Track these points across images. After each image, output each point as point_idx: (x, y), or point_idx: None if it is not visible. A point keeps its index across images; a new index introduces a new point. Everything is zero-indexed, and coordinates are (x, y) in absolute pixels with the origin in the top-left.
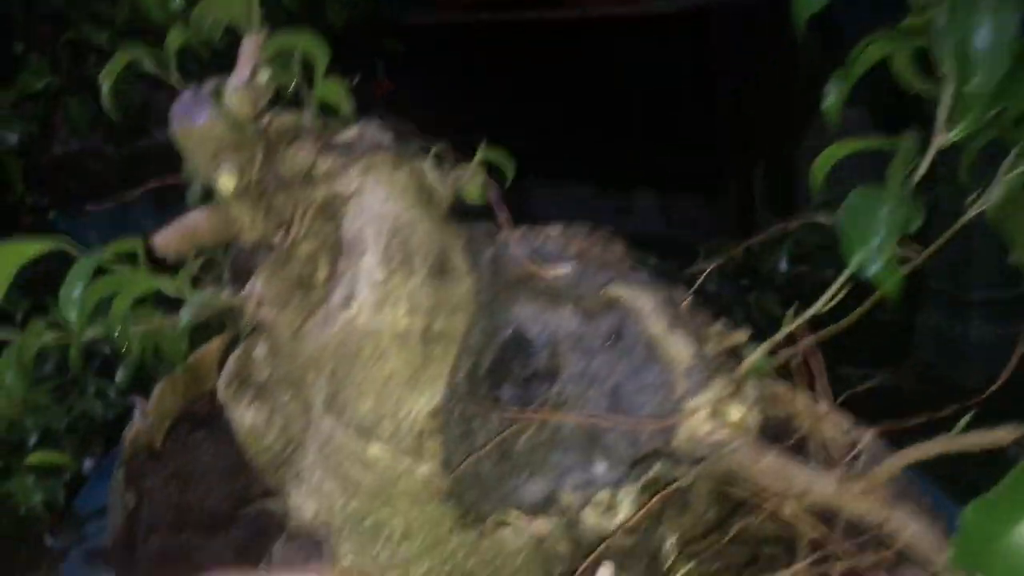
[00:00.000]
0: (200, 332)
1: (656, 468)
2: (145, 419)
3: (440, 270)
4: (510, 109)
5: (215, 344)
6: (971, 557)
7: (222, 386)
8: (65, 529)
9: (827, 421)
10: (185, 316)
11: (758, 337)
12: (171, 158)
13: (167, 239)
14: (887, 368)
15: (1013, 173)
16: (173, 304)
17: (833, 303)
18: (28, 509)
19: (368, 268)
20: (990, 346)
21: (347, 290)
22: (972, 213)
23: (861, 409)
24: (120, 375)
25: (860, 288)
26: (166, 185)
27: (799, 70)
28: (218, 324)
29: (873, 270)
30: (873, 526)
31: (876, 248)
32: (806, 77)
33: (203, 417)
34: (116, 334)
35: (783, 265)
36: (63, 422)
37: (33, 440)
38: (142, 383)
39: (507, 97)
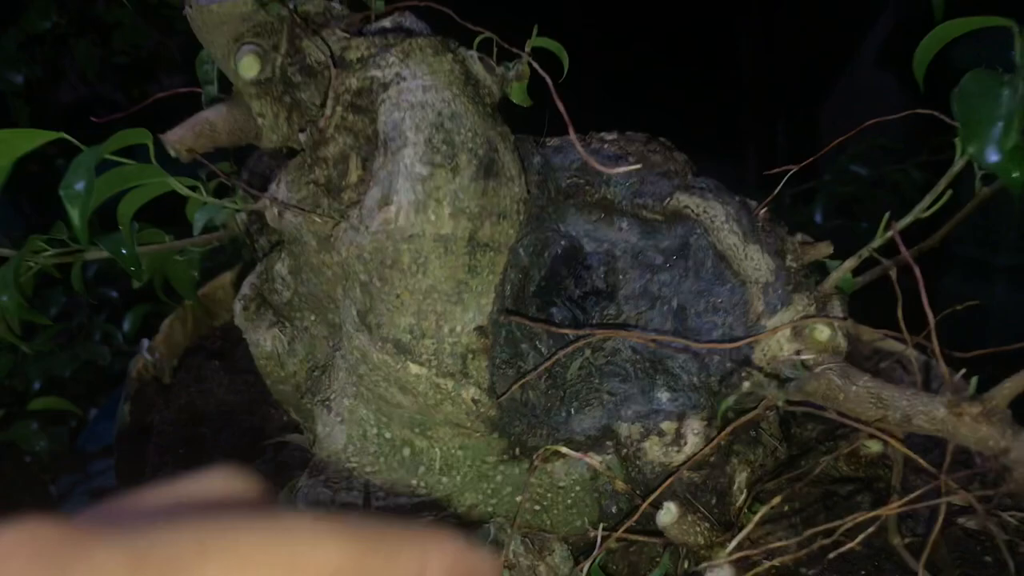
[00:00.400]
0: (212, 264)
1: (736, 395)
2: (152, 353)
3: (488, 170)
4: None
5: (228, 276)
6: None
7: (238, 310)
8: (68, 469)
9: (908, 351)
10: (199, 222)
11: None
12: (180, 108)
13: (180, 136)
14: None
15: None
16: (183, 230)
17: (937, 206)
18: (33, 456)
19: (408, 163)
20: (1015, 312)
21: (384, 189)
22: None
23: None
24: (128, 321)
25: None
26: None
27: (823, 26)
28: (231, 257)
29: (994, 159)
30: (989, 457)
31: (998, 134)
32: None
33: (215, 350)
34: (124, 251)
35: (818, 217)
36: (68, 369)
37: (37, 387)
38: (150, 332)
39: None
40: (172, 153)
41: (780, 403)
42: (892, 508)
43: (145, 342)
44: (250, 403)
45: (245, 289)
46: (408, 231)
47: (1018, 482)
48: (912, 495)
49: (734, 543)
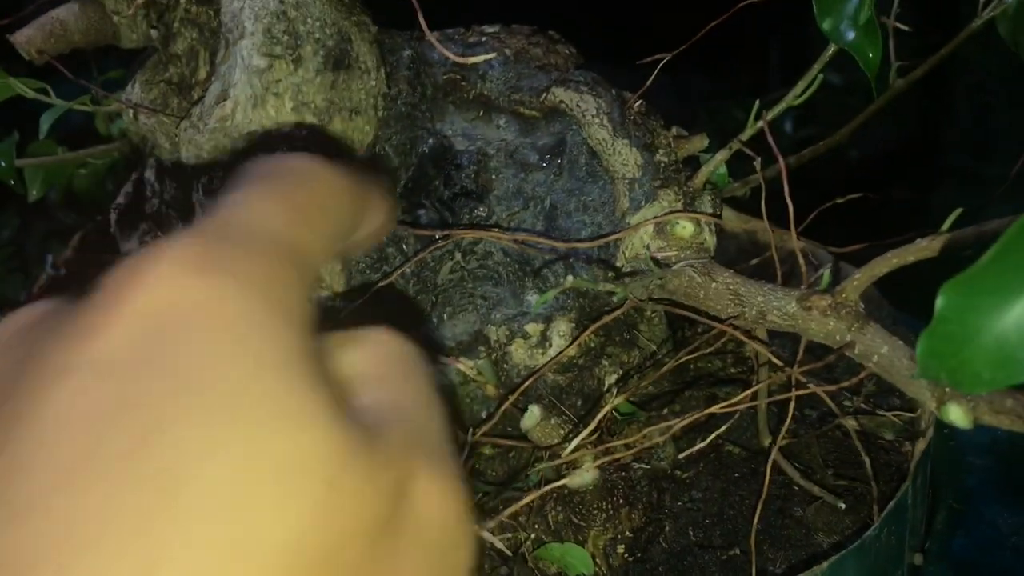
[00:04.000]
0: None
1: (558, 290)
2: (57, 269)
3: (338, 62)
4: None
5: None
6: (945, 356)
7: (112, 219)
8: None
9: (792, 244)
10: (45, 123)
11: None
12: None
13: (28, 37)
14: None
15: None
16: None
17: (808, 93)
18: None
19: (245, 55)
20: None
21: (222, 84)
22: (985, 17)
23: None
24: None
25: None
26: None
27: None
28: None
29: (850, 37)
30: (839, 349)
31: (853, 8)
32: None
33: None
34: (1, 164)
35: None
36: (23, 293)
37: None
38: None
39: None
40: (23, 55)
41: (625, 298)
42: (723, 407)
43: (49, 257)
44: None
45: (120, 198)
46: (245, 127)
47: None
48: (751, 390)
49: (576, 443)
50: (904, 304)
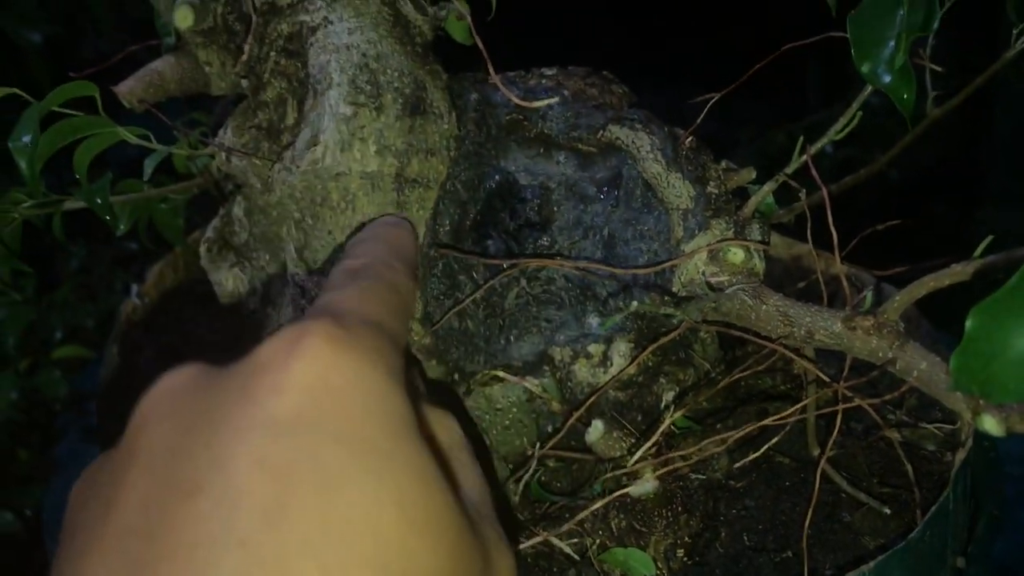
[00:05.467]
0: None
1: (625, 314)
2: (142, 297)
3: (415, 108)
4: None
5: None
6: (975, 370)
7: (203, 251)
8: (67, 410)
9: (836, 268)
10: (149, 167)
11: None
12: None
13: (130, 87)
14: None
15: None
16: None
17: (848, 129)
18: (59, 403)
19: (333, 104)
20: None
21: (312, 130)
22: (1020, 46)
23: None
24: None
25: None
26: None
27: None
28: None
29: (886, 80)
30: (881, 365)
31: (889, 53)
32: None
33: (201, 294)
34: (99, 201)
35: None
36: (90, 320)
37: (59, 337)
38: None
39: None
40: (125, 104)
41: (685, 321)
42: (777, 419)
43: (135, 287)
44: (230, 340)
45: (209, 232)
46: (334, 169)
47: (921, 387)
48: (800, 404)
49: (638, 455)
50: (941, 323)
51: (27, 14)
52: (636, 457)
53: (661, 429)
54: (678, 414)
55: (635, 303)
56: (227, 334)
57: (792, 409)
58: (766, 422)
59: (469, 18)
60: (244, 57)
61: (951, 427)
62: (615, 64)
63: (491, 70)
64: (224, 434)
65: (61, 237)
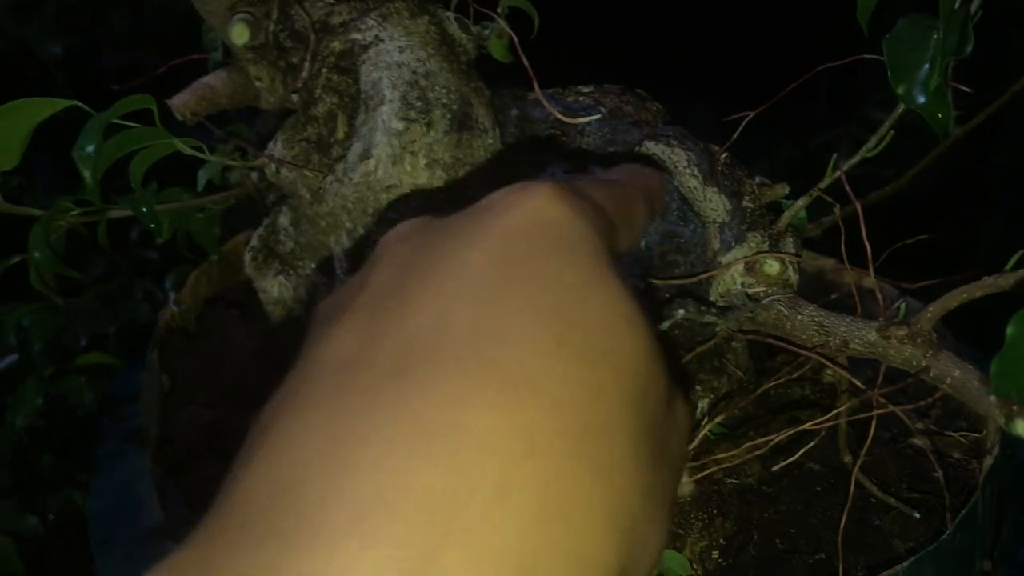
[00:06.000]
0: (235, 223)
1: (672, 321)
2: (179, 305)
3: (462, 124)
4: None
5: (249, 232)
6: (1016, 375)
7: (248, 259)
8: (102, 415)
9: (867, 281)
10: (202, 179)
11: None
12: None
13: (184, 101)
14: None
15: None
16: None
17: (879, 148)
18: (82, 409)
19: (385, 119)
20: None
21: (364, 144)
22: None
23: None
24: (169, 280)
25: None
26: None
27: None
28: (251, 216)
29: (921, 100)
30: (914, 373)
31: (924, 75)
32: None
33: (237, 300)
34: (144, 209)
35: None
36: (112, 327)
37: (83, 344)
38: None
39: None
40: (178, 116)
41: (724, 331)
42: (815, 423)
43: (172, 295)
44: (266, 348)
45: (254, 241)
46: (386, 182)
47: (954, 394)
48: (834, 411)
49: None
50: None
51: (47, 27)
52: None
53: (699, 436)
54: (714, 422)
55: (681, 311)
56: (265, 340)
57: (826, 417)
58: (802, 428)
59: (515, 37)
60: (304, 74)
61: (976, 435)
62: (643, 82)
63: (536, 87)
64: (460, 239)
65: (104, 243)
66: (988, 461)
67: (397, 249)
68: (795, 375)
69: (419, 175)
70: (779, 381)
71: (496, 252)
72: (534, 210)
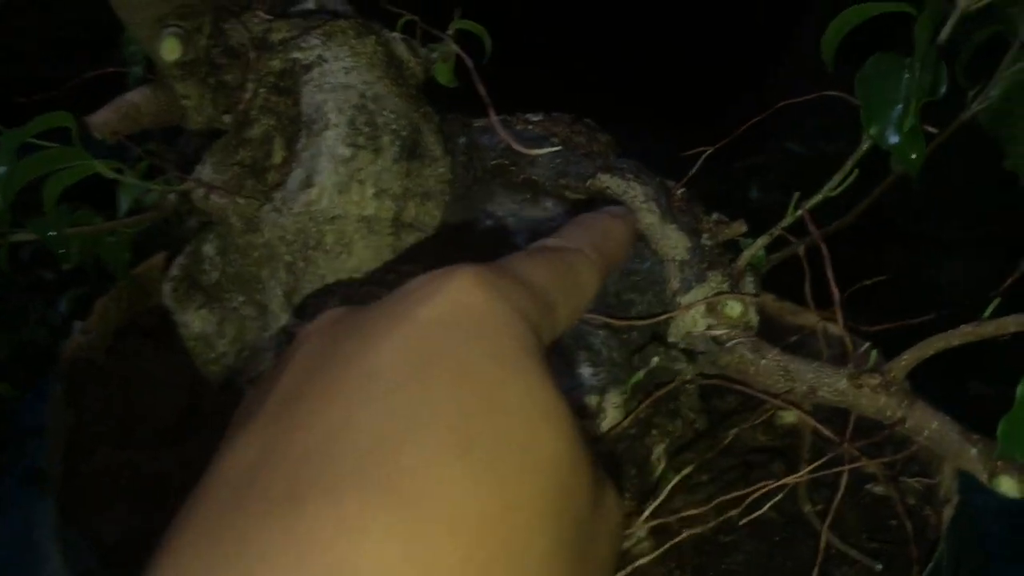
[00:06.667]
0: (146, 246)
1: (647, 370)
2: (86, 334)
3: (412, 151)
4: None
5: (162, 256)
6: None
7: (167, 290)
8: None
9: (836, 327)
10: (124, 203)
11: None
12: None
13: (104, 119)
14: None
15: (1014, 68)
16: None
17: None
18: None
19: (331, 145)
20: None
21: (307, 171)
22: (973, 110)
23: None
24: (64, 303)
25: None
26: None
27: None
28: (164, 238)
29: (893, 140)
30: (890, 424)
31: (897, 115)
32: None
33: (150, 329)
34: (52, 233)
35: (754, 193)
36: (3, 352)
37: None
38: (87, 313)
39: None
40: (97, 136)
41: (690, 376)
42: (798, 477)
43: (78, 324)
44: (183, 381)
45: (174, 270)
46: (331, 212)
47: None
48: (814, 464)
49: (648, 511)
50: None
51: None
52: (640, 521)
53: (662, 495)
54: (677, 478)
55: (656, 359)
56: (182, 373)
57: (801, 474)
58: (776, 485)
59: (469, 61)
60: (248, 95)
61: (930, 481)
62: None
63: (491, 114)
64: (371, 335)
65: (4, 267)
66: (949, 512)
67: (309, 346)
68: (758, 421)
69: (366, 205)
70: (745, 427)
71: (408, 347)
72: (453, 297)
